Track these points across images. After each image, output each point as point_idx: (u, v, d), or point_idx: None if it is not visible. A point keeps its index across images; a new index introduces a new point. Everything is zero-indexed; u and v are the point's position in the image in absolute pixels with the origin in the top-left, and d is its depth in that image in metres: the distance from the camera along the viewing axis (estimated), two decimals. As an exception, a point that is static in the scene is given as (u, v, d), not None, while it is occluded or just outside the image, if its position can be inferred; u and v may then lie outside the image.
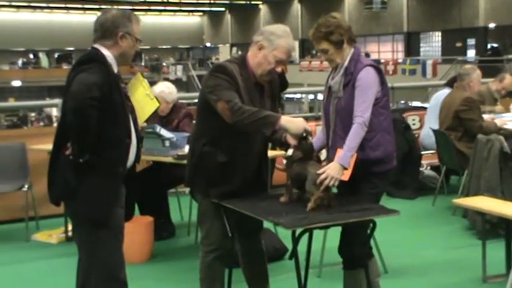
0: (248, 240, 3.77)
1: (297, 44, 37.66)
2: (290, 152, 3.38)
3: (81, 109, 2.94)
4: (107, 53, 3.13)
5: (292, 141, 3.37)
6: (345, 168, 3.34)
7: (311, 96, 13.28)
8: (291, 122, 3.30)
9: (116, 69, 3.17)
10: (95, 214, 3.11)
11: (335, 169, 3.31)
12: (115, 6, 3.66)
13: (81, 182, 3.04)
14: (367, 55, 5.29)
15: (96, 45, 3.16)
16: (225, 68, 3.45)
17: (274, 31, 3.48)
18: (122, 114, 3.14)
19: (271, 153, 4.18)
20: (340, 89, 3.47)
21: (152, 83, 5.32)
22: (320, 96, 11.07)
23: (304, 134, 3.31)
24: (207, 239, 3.62)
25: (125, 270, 3.27)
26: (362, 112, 3.38)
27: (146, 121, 5.02)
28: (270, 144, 3.86)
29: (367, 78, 3.42)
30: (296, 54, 37.65)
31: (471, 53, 29.06)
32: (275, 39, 3.45)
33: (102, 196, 3.09)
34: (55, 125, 8.26)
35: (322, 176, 3.27)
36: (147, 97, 4.54)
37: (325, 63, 3.63)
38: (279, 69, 3.52)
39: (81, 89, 2.95)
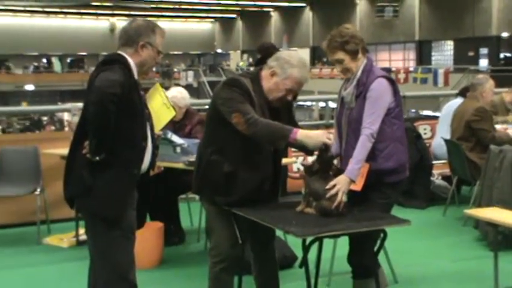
0: (261, 248, 3.77)
1: (308, 51, 37.70)
2: (309, 159, 3.39)
3: (102, 103, 2.98)
4: (129, 59, 3.20)
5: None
6: (353, 181, 3.33)
7: (322, 104, 13.26)
8: (309, 137, 3.28)
9: (136, 76, 3.22)
10: (108, 212, 3.14)
11: (344, 183, 3.32)
12: (127, 12, 3.66)
13: (96, 180, 3.08)
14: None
15: (119, 51, 3.24)
16: (239, 81, 3.46)
17: (289, 60, 3.46)
18: (139, 117, 3.19)
19: (283, 160, 4.17)
20: (353, 100, 3.48)
21: (164, 89, 5.33)
22: (331, 104, 11.07)
23: (323, 147, 3.30)
24: (214, 249, 3.62)
25: (135, 272, 3.28)
26: (370, 124, 3.38)
27: (162, 130, 5.02)
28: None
29: (378, 89, 3.42)
30: (308, 68, 37.68)
31: (484, 62, 28.95)
32: (288, 68, 3.44)
33: (116, 195, 3.13)
34: (67, 129, 8.32)
35: (333, 191, 3.28)
36: (164, 106, 4.57)
37: (336, 71, 3.62)
38: (289, 98, 3.50)
39: (103, 84, 3.01)
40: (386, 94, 3.43)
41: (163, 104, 4.54)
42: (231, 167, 3.45)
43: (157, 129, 3.62)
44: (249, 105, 3.38)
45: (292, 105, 3.72)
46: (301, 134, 3.27)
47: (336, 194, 3.28)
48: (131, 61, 3.19)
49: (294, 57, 3.49)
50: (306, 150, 3.41)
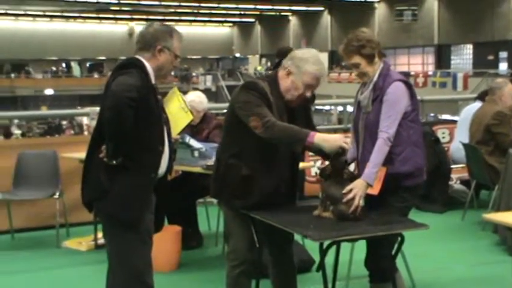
0: (279, 251, 3.78)
1: (326, 55, 37.65)
2: (327, 163, 3.39)
3: (119, 107, 2.99)
4: (146, 63, 3.21)
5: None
6: (370, 185, 3.34)
7: (340, 108, 13.27)
8: (326, 141, 3.29)
9: (153, 81, 3.23)
10: (125, 215, 3.15)
11: (361, 187, 3.33)
12: (145, 17, 3.68)
13: (113, 184, 3.10)
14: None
15: (137, 55, 3.25)
16: (257, 85, 3.48)
17: (303, 57, 3.49)
18: (156, 121, 3.20)
19: (301, 164, 4.18)
20: (369, 104, 3.48)
21: (182, 93, 5.37)
22: (349, 108, 11.06)
23: (340, 151, 3.31)
24: (232, 253, 3.64)
25: (152, 275, 3.30)
26: (387, 128, 3.38)
27: (179, 134, 5.05)
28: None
29: (395, 93, 3.42)
30: (325, 66, 37.66)
31: (503, 66, 28.73)
32: (303, 65, 3.46)
33: (133, 198, 3.15)
34: (86, 133, 8.37)
35: (350, 196, 3.29)
36: (181, 110, 4.58)
37: (354, 75, 3.63)
38: (308, 94, 3.51)
39: (120, 88, 3.01)
40: (403, 98, 3.43)
41: (181, 108, 4.55)
42: (248, 170, 3.47)
43: (175, 133, 3.64)
44: (266, 108, 3.39)
45: (310, 108, 3.73)
46: (318, 138, 3.28)
47: (353, 198, 3.28)
48: (148, 65, 3.20)
49: (308, 54, 3.51)
50: (323, 153, 3.41)
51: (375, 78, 3.47)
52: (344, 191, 3.31)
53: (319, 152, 3.41)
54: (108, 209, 3.18)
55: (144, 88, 3.10)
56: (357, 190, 3.31)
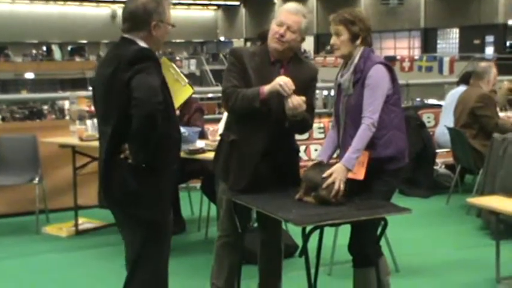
0: (269, 234, 3.85)
1: (312, 39, 37.62)
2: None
3: (152, 116, 2.83)
4: (143, 44, 3.04)
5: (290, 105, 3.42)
6: (349, 170, 3.34)
7: (325, 92, 13.25)
8: (271, 85, 3.43)
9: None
10: (159, 218, 3.07)
11: (340, 171, 3.33)
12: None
13: (140, 185, 2.96)
14: (372, 52, 5.29)
15: (129, 36, 3.06)
16: (234, 49, 3.71)
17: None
18: (173, 110, 3.10)
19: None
20: (350, 86, 3.47)
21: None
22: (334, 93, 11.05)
23: (280, 84, 3.39)
24: (220, 224, 3.79)
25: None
26: (371, 113, 3.38)
27: (179, 109, 4.98)
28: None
29: (377, 76, 3.41)
30: (311, 49, 37.62)
31: (489, 50, 28.90)
32: (278, 11, 3.61)
33: (162, 198, 3.07)
34: (67, 118, 8.32)
35: (329, 180, 3.30)
36: (177, 83, 4.41)
37: (340, 60, 3.61)
38: (281, 31, 3.51)
39: (147, 95, 2.82)
40: (384, 81, 3.43)
41: (176, 80, 4.37)
42: (234, 136, 3.60)
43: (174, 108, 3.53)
44: (235, 74, 3.54)
45: (312, 88, 3.70)
46: (267, 87, 3.43)
47: (333, 183, 3.30)
48: (146, 46, 3.03)
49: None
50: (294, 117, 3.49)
51: (356, 61, 3.47)
52: (324, 175, 3.32)
53: (291, 117, 3.48)
54: (143, 215, 3.04)
55: (162, 83, 2.97)
56: (336, 174, 3.31)
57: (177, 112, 4.76)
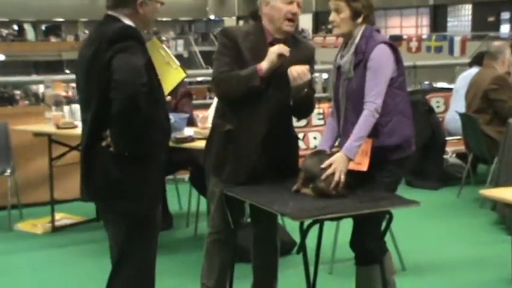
0: (263, 229, 3.86)
1: (310, 17, 37.56)
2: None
3: (133, 98, 2.83)
4: (129, 22, 3.04)
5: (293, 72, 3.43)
6: (351, 159, 3.35)
7: (325, 76, 13.24)
8: (268, 58, 3.43)
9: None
10: (145, 212, 3.09)
11: (341, 161, 3.33)
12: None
13: (123, 174, 2.98)
14: (378, 31, 5.27)
15: (114, 14, 3.06)
16: (225, 29, 3.71)
17: None
18: (160, 95, 3.11)
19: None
20: (351, 69, 3.46)
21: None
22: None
23: (279, 52, 3.40)
24: (211, 220, 3.79)
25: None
26: (374, 98, 3.37)
27: (170, 94, 4.97)
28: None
29: (380, 58, 3.40)
30: (309, 28, 37.58)
31: (505, 29, 28.91)
32: None
33: (151, 191, 3.08)
34: (42, 104, 8.26)
35: (329, 171, 3.31)
36: (168, 66, 4.40)
37: (341, 40, 3.61)
38: (294, 9, 3.50)
39: (130, 76, 2.83)
40: (388, 62, 3.42)
41: (167, 63, 4.36)
42: (230, 125, 3.56)
43: (165, 93, 3.54)
44: (226, 57, 3.50)
45: (311, 72, 3.70)
46: (264, 62, 3.42)
47: (333, 174, 3.30)
48: (132, 24, 3.03)
49: None
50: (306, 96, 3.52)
51: (357, 41, 3.46)
52: (323, 166, 3.32)
53: (299, 96, 3.50)
54: (127, 207, 3.05)
55: (146, 63, 2.96)
56: (336, 165, 3.31)
57: (168, 98, 4.77)
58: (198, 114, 5.86)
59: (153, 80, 3.02)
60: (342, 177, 3.32)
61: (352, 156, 3.35)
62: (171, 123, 4.55)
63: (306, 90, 3.51)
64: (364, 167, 3.40)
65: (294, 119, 3.83)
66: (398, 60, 3.47)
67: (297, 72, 3.42)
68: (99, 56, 2.93)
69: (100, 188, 3.04)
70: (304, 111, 3.78)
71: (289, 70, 3.43)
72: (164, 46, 4.52)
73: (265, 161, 3.58)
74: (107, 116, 2.90)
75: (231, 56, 3.52)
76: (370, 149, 3.39)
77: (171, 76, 4.56)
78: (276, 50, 3.43)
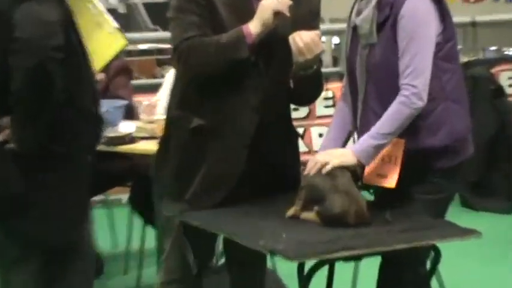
0: (239, 271, 3.92)
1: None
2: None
3: (42, 66, 2.91)
4: None
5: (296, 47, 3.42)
6: (362, 164, 3.39)
7: (336, 40, 13.17)
8: (260, 18, 3.42)
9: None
10: (57, 236, 3.13)
11: (342, 156, 3.39)
12: None
13: (32, 186, 3.03)
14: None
15: None
16: None
17: None
18: (84, 69, 3.18)
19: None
20: (373, 31, 3.48)
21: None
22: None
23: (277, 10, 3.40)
24: (165, 262, 3.79)
25: None
26: (411, 78, 3.37)
27: (104, 70, 4.99)
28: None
29: (416, 14, 3.41)
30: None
31: None
32: None
33: (68, 206, 3.13)
34: None
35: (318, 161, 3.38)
36: (99, 29, 4.42)
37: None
38: None
39: (37, 33, 2.93)
40: (429, 20, 3.44)
41: (97, 24, 4.39)
42: (201, 119, 3.55)
43: (96, 69, 3.57)
44: (193, 16, 3.47)
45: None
46: (254, 24, 3.42)
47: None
48: None
49: None
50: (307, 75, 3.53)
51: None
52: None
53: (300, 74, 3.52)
54: (28, 229, 3.11)
55: (64, 21, 3.03)
56: (331, 157, 3.37)
57: (100, 76, 4.79)
58: (141, 100, 5.87)
59: (74, 45, 3.09)
60: (328, 167, 3.34)
61: (363, 160, 3.39)
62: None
63: (315, 67, 3.52)
64: (392, 184, 3.43)
65: (293, 107, 3.87)
66: (444, 14, 3.49)
67: (304, 41, 3.40)
68: None
69: None
70: (309, 96, 3.81)
71: (291, 38, 3.42)
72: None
73: (251, 171, 3.60)
74: (4, 96, 2.94)
75: (200, 15, 3.49)
76: (402, 154, 3.42)
77: (105, 44, 4.59)
78: (270, 5, 3.42)
